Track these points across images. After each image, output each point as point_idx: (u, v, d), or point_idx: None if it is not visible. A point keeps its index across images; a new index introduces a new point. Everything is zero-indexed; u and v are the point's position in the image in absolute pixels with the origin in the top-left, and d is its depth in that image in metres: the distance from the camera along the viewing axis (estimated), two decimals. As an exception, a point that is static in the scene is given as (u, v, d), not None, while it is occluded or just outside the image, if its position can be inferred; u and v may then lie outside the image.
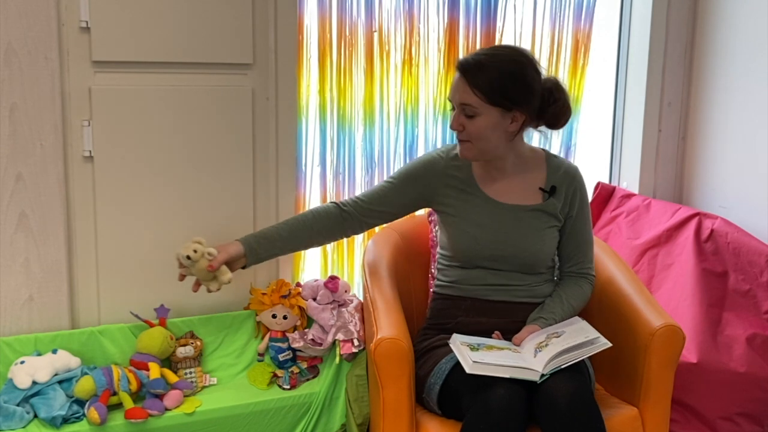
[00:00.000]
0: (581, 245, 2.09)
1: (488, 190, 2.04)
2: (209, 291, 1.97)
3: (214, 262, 1.92)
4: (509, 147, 2.00)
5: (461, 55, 2.65)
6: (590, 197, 2.48)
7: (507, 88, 1.90)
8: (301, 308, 2.31)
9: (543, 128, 2.04)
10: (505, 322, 1.99)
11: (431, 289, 2.30)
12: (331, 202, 2.12)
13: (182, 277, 1.98)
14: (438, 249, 2.15)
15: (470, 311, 2.03)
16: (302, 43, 2.45)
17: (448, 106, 2.67)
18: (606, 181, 3.04)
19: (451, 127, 1.97)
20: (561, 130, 2.84)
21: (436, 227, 2.33)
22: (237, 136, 2.34)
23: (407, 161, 2.66)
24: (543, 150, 2.12)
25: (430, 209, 2.27)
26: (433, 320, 2.11)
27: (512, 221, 2.02)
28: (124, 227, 2.26)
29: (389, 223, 2.20)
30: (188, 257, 1.91)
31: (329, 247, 2.59)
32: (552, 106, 1.97)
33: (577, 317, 1.99)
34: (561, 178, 2.06)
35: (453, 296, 2.06)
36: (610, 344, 1.82)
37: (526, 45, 2.75)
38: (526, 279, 2.03)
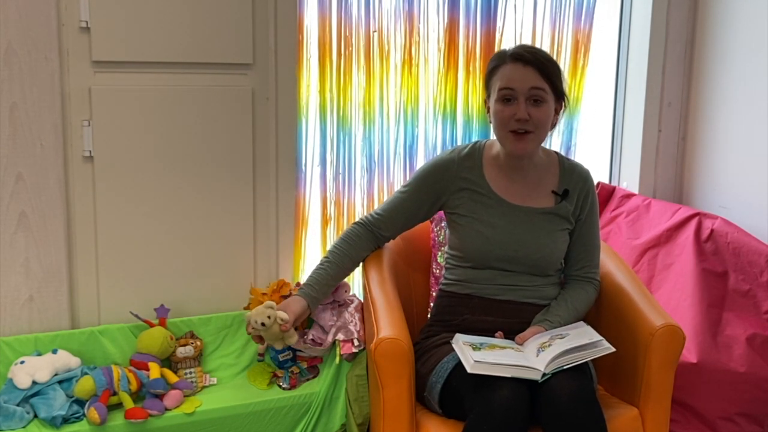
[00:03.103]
0: (589, 249, 2.10)
1: (501, 192, 2.05)
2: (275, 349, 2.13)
3: (287, 325, 1.99)
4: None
5: (461, 55, 2.66)
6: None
7: (561, 77, 1.99)
8: (301, 308, 2.30)
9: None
10: (511, 321, 2.00)
11: (432, 290, 2.30)
12: (355, 224, 2.16)
13: (257, 338, 2.05)
14: (447, 249, 2.15)
15: (477, 309, 2.03)
16: (302, 43, 2.45)
17: (448, 106, 2.71)
18: (606, 181, 3.05)
19: (518, 118, 1.94)
20: (561, 130, 2.87)
21: (438, 227, 2.33)
22: (237, 136, 2.34)
23: (407, 161, 2.67)
24: (556, 152, 2.13)
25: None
26: (437, 317, 2.11)
27: (525, 223, 2.03)
28: (124, 227, 2.26)
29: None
30: (263, 324, 1.97)
31: (329, 246, 2.59)
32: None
33: (581, 322, 2.00)
34: (574, 181, 2.08)
35: (460, 294, 2.06)
36: (613, 349, 1.82)
37: (526, 45, 2.76)
38: (534, 280, 2.04)
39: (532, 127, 1.95)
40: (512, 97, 1.95)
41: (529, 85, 1.94)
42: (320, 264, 2.11)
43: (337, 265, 2.10)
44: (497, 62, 2.00)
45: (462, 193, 2.06)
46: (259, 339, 2.02)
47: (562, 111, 2.04)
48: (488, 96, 2.03)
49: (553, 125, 2.04)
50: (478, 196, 2.05)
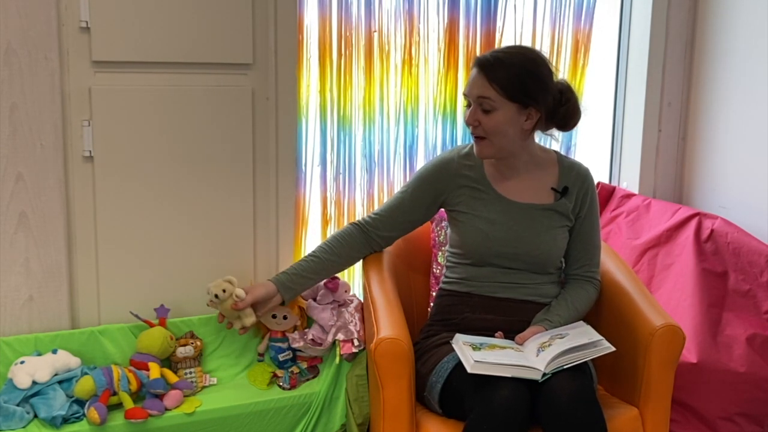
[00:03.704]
0: (588, 247, 2.10)
1: (500, 189, 2.06)
2: (235, 328, 2.08)
3: (240, 303, 1.99)
4: (523, 146, 2.03)
5: (461, 55, 2.66)
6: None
7: (524, 83, 1.93)
8: (301, 308, 2.31)
9: (552, 131, 2.06)
10: (511, 320, 2.00)
11: (432, 291, 2.30)
12: (350, 224, 2.16)
13: (220, 316, 2.07)
14: (448, 247, 2.16)
15: (477, 308, 2.03)
16: (302, 43, 2.45)
17: (448, 106, 2.72)
18: (606, 181, 3.05)
19: (467, 122, 1.98)
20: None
21: (438, 228, 2.33)
22: (237, 136, 2.34)
23: (407, 161, 2.67)
24: (554, 151, 2.13)
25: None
26: (438, 316, 2.11)
27: (525, 219, 2.03)
28: (124, 227, 2.26)
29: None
30: (216, 296, 1.98)
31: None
32: (563, 106, 2.00)
33: (581, 321, 2.00)
34: (573, 179, 2.08)
35: (461, 292, 2.07)
36: (613, 348, 1.82)
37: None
38: (535, 278, 2.04)
39: (482, 133, 1.97)
40: (469, 103, 1.97)
41: (476, 93, 1.95)
42: (305, 257, 2.12)
43: (322, 260, 2.09)
44: (472, 64, 2.02)
45: (462, 190, 2.07)
46: (222, 316, 2.05)
47: (541, 117, 1.97)
48: None
49: (530, 130, 1.99)
50: (478, 193, 2.06)
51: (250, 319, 2.03)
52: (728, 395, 2.29)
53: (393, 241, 2.19)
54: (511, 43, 2.72)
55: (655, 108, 2.93)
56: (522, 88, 1.93)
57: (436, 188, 2.09)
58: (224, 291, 1.99)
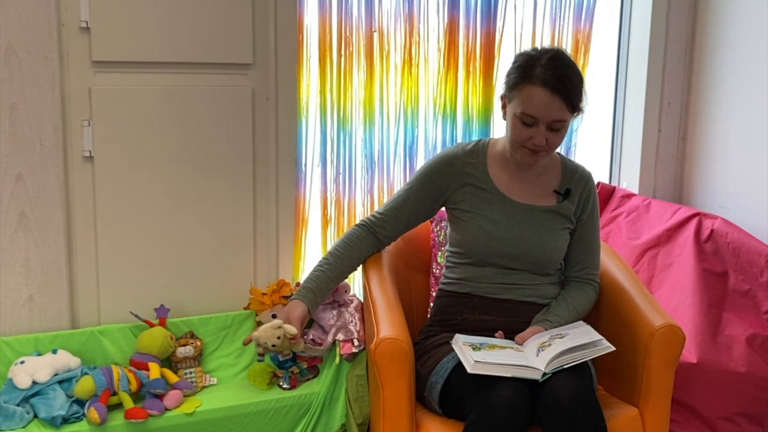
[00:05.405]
0: (589, 250, 2.10)
1: (504, 189, 2.06)
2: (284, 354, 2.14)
3: (296, 338, 1.96)
4: None
5: (461, 55, 2.66)
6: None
7: (583, 93, 1.96)
8: (301, 308, 2.30)
9: None
10: (511, 321, 2.00)
11: (432, 291, 2.30)
12: (356, 226, 2.15)
13: (261, 356, 2.07)
14: (448, 247, 2.15)
15: (476, 309, 2.03)
16: (302, 43, 2.45)
17: (448, 106, 2.71)
18: (606, 181, 3.05)
19: (535, 143, 1.92)
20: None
21: (438, 227, 2.33)
22: (237, 136, 2.34)
23: (407, 161, 2.67)
24: (558, 153, 2.13)
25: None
26: (437, 317, 2.11)
27: (527, 220, 2.03)
28: (124, 227, 2.26)
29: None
30: (273, 345, 1.94)
31: (329, 247, 2.59)
32: None
33: (581, 321, 2.00)
34: (576, 181, 2.09)
35: (460, 293, 2.07)
36: (613, 348, 1.82)
37: (526, 45, 2.76)
38: (535, 279, 2.04)
39: (546, 148, 1.95)
40: (533, 123, 1.92)
41: (552, 117, 1.90)
42: (319, 265, 2.10)
43: (336, 267, 2.09)
44: (525, 77, 1.92)
45: (465, 188, 2.07)
46: (262, 355, 2.03)
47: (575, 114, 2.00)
48: (507, 98, 1.98)
49: None
50: (481, 192, 2.06)
51: (301, 344, 2.03)
52: (728, 395, 2.29)
53: (398, 238, 2.19)
54: (512, 45, 2.72)
55: (655, 108, 2.93)
56: (582, 98, 1.96)
57: (441, 185, 2.09)
58: (278, 338, 1.93)
